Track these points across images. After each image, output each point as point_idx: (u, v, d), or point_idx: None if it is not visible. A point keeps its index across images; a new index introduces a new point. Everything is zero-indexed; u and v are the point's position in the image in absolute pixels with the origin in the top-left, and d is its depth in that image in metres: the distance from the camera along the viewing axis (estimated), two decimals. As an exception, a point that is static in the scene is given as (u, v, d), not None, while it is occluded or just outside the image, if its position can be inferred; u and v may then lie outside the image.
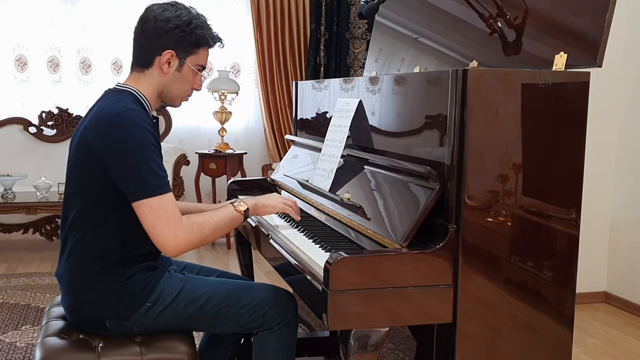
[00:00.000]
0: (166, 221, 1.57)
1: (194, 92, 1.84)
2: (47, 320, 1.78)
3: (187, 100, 1.84)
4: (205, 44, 1.76)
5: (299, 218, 1.87)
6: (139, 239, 1.62)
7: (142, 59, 1.73)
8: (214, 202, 5.13)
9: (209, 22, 1.78)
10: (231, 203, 1.74)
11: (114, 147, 1.58)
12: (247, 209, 1.74)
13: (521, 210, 1.49)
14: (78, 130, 1.70)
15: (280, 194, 2.37)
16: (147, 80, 1.73)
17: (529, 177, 1.49)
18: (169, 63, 1.71)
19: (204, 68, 1.79)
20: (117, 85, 1.76)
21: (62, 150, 4.51)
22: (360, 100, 1.90)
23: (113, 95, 1.70)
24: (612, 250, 3.60)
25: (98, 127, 1.62)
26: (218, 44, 1.81)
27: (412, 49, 2.36)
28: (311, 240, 1.72)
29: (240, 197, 1.91)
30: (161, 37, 1.69)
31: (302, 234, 1.80)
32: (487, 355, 1.52)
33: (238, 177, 3.86)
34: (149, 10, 1.72)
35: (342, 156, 1.92)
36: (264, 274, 4.04)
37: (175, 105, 1.83)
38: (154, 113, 1.80)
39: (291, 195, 2.24)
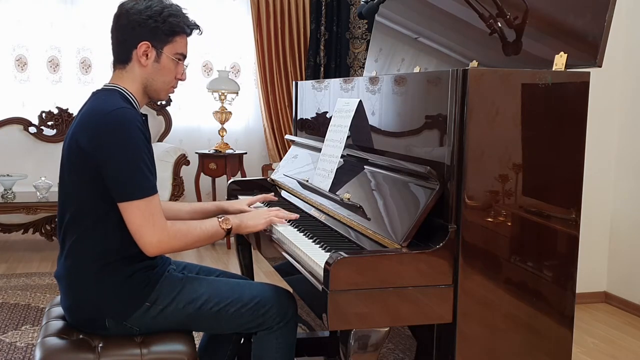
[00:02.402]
0: (152, 224, 1.59)
1: (181, 84, 1.84)
2: (47, 320, 1.78)
3: (172, 92, 1.83)
4: (181, 32, 1.75)
5: (295, 216, 1.88)
6: None
7: (121, 55, 1.73)
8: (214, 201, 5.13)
9: (184, 11, 1.77)
10: (217, 218, 1.76)
11: (105, 147, 1.58)
12: (231, 227, 1.77)
13: (521, 210, 1.49)
14: (69, 132, 1.70)
15: (280, 194, 2.37)
16: (130, 76, 1.73)
17: (529, 177, 1.49)
18: (147, 55, 1.70)
19: (184, 57, 1.78)
20: (104, 85, 1.76)
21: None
22: (360, 100, 1.90)
23: (101, 95, 1.70)
24: (612, 250, 3.60)
25: (89, 127, 1.62)
26: (196, 31, 1.80)
27: (412, 49, 2.36)
28: (311, 240, 1.73)
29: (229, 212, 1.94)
30: (135, 29, 1.69)
31: (302, 234, 1.80)
32: (487, 355, 1.52)
33: (238, 177, 3.86)
34: (121, 6, 1.73)
35: (342, 156, 1.92)
36: (264, 274, 4.04)
37: (161, 98, 1.83)
38: (154, 112, 1.80)
39: (291, 196, 2.24)
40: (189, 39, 1.80)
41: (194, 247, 1.73)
